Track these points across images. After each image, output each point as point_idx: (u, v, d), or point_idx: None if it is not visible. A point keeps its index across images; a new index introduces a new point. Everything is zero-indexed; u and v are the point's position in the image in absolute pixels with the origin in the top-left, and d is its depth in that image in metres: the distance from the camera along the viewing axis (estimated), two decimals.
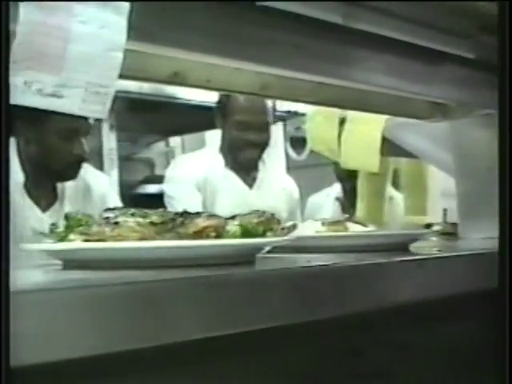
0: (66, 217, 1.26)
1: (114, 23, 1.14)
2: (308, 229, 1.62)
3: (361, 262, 1.27)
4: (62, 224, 1.26)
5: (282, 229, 1.32)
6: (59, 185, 2.65)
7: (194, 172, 3.31)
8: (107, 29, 1.13)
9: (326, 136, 2.75)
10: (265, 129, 3.23)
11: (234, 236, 1.22)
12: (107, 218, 1.19)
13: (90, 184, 2.82)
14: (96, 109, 1.18)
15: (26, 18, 1.08)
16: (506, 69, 1.00)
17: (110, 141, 4.15)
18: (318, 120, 2.78)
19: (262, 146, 3.30)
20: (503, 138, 0.97)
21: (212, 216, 1.21)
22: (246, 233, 1.23)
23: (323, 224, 1.64)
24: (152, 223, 1.17)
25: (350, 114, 2.57)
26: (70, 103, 1.15)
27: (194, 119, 4.51)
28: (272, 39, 1.40)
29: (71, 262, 1.21)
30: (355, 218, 3.45)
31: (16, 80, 1.10)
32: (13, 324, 0.80)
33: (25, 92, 1.11)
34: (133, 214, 1.20)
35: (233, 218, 1.28)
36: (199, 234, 1.17)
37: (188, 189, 3.29)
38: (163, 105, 4.11)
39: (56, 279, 1.15)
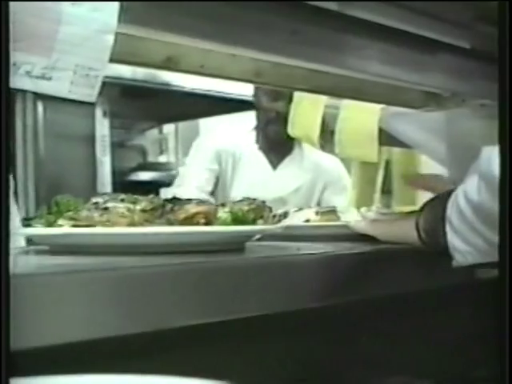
0: (56, 202, 1.25)
1: (106, 6, 1.12)
2: (302, 217, 1.61)
3: (351, 251, 1.26)
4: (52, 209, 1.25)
5: (273, 216, 1.31)
6: None
7: (214, 146, 3.34)
8: (99, 11, 1.12)
9: (307, 122, 2.72)
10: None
11: (224, 223, 1.20)
12: (96, 203, 1.17)
13: None
14: (85, 92, 1.16)
15: None
16: (506, 69, 0.98)
17: (102, 127, 4.13)
18: (302, 106, 2.76)
19: None
20: (503, 129, 0.95)
21: (202, 202, 1.20)
22: (236, 220, 1.21)
23: (317, 213, 1.63)
24: (142, 210, 1.16)
25: (345, 103, 2.55)
26: (59, 86, 1.13)
27: (188, 106, 4.50)
28: (268, 24, 1.39)
29: (59, 246, 1.20)
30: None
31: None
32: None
33: (13, 74, 1.09)
34: (122, 200, 1.18)
35: (223, 204, 1.27)
36: (189, 220, 1.16)
37: (198, 168, 3.31)
38: (157, 92, 4.09)
39: (43, 264, 1.14)
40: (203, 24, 1.32)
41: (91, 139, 4.05)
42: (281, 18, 1.42)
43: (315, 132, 2.63)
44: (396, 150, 2.85)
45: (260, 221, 1.26)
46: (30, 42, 1.09)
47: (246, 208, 1.25)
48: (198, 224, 1.16)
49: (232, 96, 4.12)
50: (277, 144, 3.36)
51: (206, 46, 1.42)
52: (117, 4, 1.13)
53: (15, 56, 1.09)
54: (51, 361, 0.87)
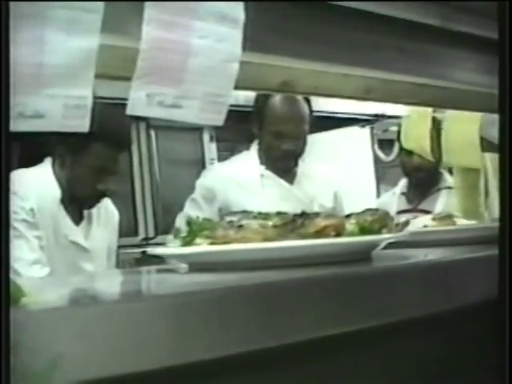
0: (189, 222, 1.26)
1: (231, 36, 1.13)
2: (419, 224, 1.60)
3: (478, 255, 1.24)
4: (184, 229, 1.26)
5: (396, 225, 1.29)
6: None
7: (221, 175, 3.15)
8: (224, 42, 1.13)
9: (418, 134, 2.74)
10: (301, 137, 3.06)
11: (352, 234, 1.20)
12: (231, 221, 1.18)
13: (108, 210, 2.86)
14: (212, 117, 1.17)
15: (148, 35, 1.08)
16: (506, 69, 0.95)
17: (210, 151, 4.18)
18: (412, 119, 2.78)
19: (298, 153, 3.11)
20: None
21: (330, 216, 1.19)
22: (363, 230, 1.21)
23: (434, 219, 1.61)
24: (274, 225, 1.16)
25: (448, 114, 2.56)
26: (189, 113, 1.14)
27: None
28: (377, 44, 1.38)
29: (197, 264, 1.20)
30: (420, 208, 3.43)
31: (139, 94, 1.10)
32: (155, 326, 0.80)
33: (147, 104, 1.11)
34: (255, 217, 1.19)
35: (347, 216, 1.27)
36: (319, 233, 1.16)
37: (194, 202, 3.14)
38: None
39: (184, 282, 1.15)
40: (317, 47, 1.32)
41: (201, 162, 4.10)
42: (388, 37, 1.41)
43: (426, 143, 2.65)
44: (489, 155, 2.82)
45: (384, 230, 1.25)
46: (161, 75, 1.11)
47: (369, 218, 1.25)
48: (328, 236, 1.16)
49: (331, 114, 4.12)
50: (282, 169, 3.17)
51: (320, 68, 1.41)
52: (240, 34, 1.13)
53: (148, 88, 1.11)
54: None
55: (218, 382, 0.93)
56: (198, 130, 4.12)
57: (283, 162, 3.05)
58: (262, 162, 3.08)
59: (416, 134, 2.78)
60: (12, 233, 2.35)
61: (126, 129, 2.54)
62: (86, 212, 2.70)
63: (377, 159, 4.80)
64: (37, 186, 2.53)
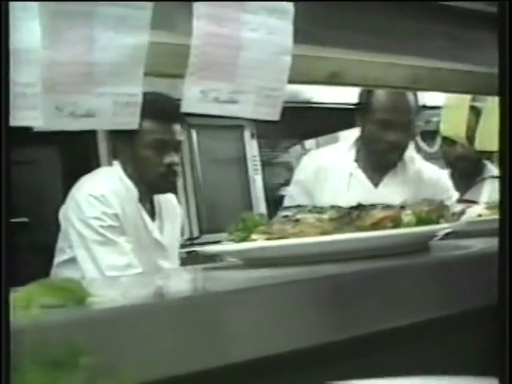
0: (242, 219, 1.24)
1: (281, 28, 1.11)
2: (473, 213, 1.56)
3: None
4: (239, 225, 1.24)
5: (453, 214, 1.26)
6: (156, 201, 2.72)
7: (314, 165, 3.12)
8: (275, 34, 1.11)
9: (456, 121, 2.72)
10: (407, 128, 2.97)
11: (409, 225, 1.17)
12: (286, 216, 1.16)
13: (173, 204, 2.86)
14: (268, 112, 1.15)
15: (199, 31, 1.07)
16: (506, 69, 0.92)
17: (252, 148, 4.17)
18: (451, 106, 2.77)
19: (403, 147, 3.03)
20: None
21: (387, 207, 1.17)
22: (420, 221, 1.18)
23: (487, 208, 1.58)
24: (330, 218, 1.14)
25: (488, 103, 2.53)
26: (244, 108, 1.13)
27: (327, 121, 4.48)
28: (424, 31, 1.35)
29: (254, 260, 1.19)
30: (466, 198, 3.38)
31: (193, 90, 1.09)
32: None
33: (202, 101, 1.10)
34: (309, 211, 1.17)
35: (402, 207, 1.24)
36: (376, 225, 1.14)
37: (294, 191, 3.13)
38: (298, 110, 4.08)
39: (243, 278, 1.14)
40: (364, 36, 1.30)
41: (243, 160, 4.09)
42: (436, 25, 1.39)
43: (462, 129, 2.63)
44: None
45: (442, 220, 1.22)
46: (214, 70, 1.09)
47: (426, 209, 1.22)
48: (385, 228, 1.13)
49: None
50: (380, 163, 3.09)
51: (367, 58, 1.39)
52: (290, 26, 1.12)
53: (202, 84, 1.09)
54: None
55: (279, 378, 0.91)
56: (239, 127, 4.11)
57: (386, 157, 2.95)
58: (357, 158, 3.01)
59: (454, 121, 2.76)
60: (99, 240, 2.37)
61: (170, 99, 2.52)
62: (157, 206, 2.69)
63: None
64: (115, 189, 2.52)
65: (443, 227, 1.19)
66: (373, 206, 1.17)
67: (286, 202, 3.03)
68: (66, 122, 0.96)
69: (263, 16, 1.10)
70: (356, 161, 2.98)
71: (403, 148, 2.93)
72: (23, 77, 0.90)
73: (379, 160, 2.95)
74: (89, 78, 0.98)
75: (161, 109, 2.49)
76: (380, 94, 2.85)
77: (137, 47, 1.01)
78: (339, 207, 1.19)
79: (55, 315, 0.67)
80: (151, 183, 2.59)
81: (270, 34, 1.10)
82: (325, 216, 1.15)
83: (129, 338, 0.69)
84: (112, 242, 2.43)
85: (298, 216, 1.15)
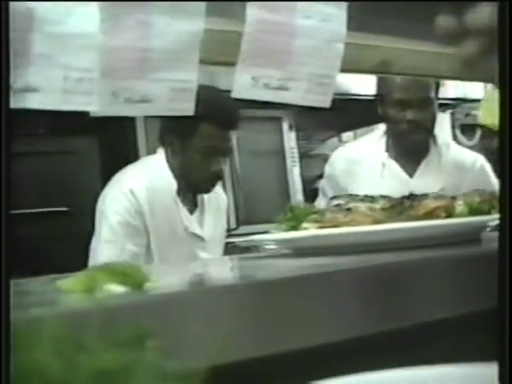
0: (291, 208, 1.24)
1: (335, 15, 1.10)
2: None
3: None
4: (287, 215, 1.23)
5: None
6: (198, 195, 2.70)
7: (344, 159, 3.07)
8: (329, 21, 1.10)
9: (494, 111, 2.70)
10: (426, 105, 2.89)
11: (461, 215, 1.15)
12: (338, 204, 1.15)
13: (218, 195, 2.84)
14: (319, 99, 1.14)
15: (252, 18, 1.06)
16: (506, 70, 0.90)
17: (289, 140, 4.16)
18: (490, 96, 2.75)
19: (426, 124, 2.93)
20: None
21: (440, 197, 1.15)
22: (473, 211, 1.16)
23: None
24: (382, 208, 1.13)
25: None
26: (296, 95, 1.12)
27: (364, 113, 4.45)
28: None
29: (305, 249, 1.18)
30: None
31: (244, 77, 1.08)
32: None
33: (252, 87, 1.09)
34: (361, 200, 1.16)
35: (453, 198, 1.22)
36: (429, 215, 1.12)
37: (325, 185, 3.10)
38: (336, 101, 4.06)
39: (293, 266, 1.13)
40: (415, 25, 1.28)
41: (281, 152, 4.08)
42: None
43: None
44: None
45: (493, 211, 1.20)
46: (266, 57, 1.08)
47: (478, 199, 1.20)
48: (438, 218, 1.12)
49: None
50: (411, 150, 3.01)
51: (417, 47, 1.37)
52: (344, 13, 1.11)
53: (253, 71, 1.08)
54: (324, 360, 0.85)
55: (329, 367, 0.90)
56: (276, 119, 4.10)
57: (410, 137, 2.88)
58: (387, 148, 2.96)
59: (493, 110, 2.74)
60: (107, 238, 2.37)
61: (232, 105, 2.50)
62: (199, 199, 2.68)
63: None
64: (150, 184, 2.50)
65: (496, 218, 1.18)
66: (425, 196, 1.16)
67: (319, 196, 3.02)
68: (122, 108, 0.96)
69: (317, 3, 1.09)
70: (387, 151, 2.93)
71: (427, 128, 2.83)
72: (80, 62, 0.89)
73: (406, 144, 2.87)
74: (145, 64, 0.98)
75: (220, 115, 2.47)
76: (394, 77, 2.79)
77: (192, 33, 1.01)
78: (390, 197, 1.18)
79: (120, 299, 0.67)
80: (193, 184, 2.58)
81: (324, 21, 1.09)
82: (377, 205, 1.14)
83: (193, 322, 0.69)
84: (116, 241, 2.41)
85: (350, 205, 1.14)
